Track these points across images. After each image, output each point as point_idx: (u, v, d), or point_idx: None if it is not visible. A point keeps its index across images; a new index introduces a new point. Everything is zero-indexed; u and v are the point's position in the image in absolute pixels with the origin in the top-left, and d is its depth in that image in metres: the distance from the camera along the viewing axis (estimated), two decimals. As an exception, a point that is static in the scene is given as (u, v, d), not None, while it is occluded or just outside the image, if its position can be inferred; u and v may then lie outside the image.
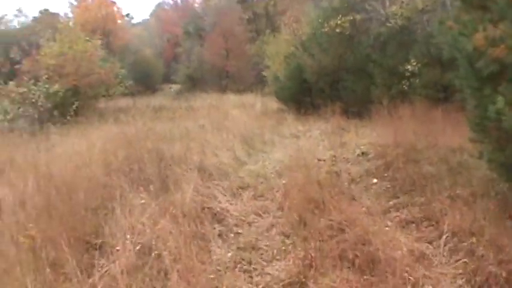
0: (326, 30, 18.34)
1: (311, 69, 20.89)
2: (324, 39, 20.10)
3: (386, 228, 6.49)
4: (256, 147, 12.89)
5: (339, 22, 17.93)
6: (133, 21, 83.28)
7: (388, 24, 17.47)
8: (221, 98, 32.78)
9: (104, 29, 50.40)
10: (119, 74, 26.00)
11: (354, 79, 19.11)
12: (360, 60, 18.87)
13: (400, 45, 17.44)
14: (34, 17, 57.29)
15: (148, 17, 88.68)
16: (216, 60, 46.27)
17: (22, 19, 59.87)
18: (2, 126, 17.36)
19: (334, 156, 10.53)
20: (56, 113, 17.54)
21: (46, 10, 58.22)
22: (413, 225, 6.65)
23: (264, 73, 32.02)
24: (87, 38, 25.75)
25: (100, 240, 6.28)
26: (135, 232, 6.15)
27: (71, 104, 19.65)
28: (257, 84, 38.23)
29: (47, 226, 6.36)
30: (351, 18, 17.94)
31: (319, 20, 19.84)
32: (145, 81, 49.20)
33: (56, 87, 19.46)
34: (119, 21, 57.53)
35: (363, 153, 10.99)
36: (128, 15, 79.75)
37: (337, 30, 17.99)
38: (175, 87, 52.84)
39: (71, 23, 49.86)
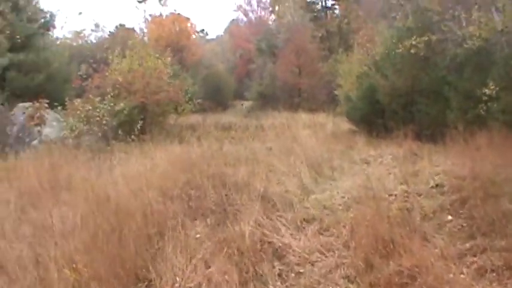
0: (400, 50, 17.75)
1: (384, 90, 20.29)
2: (398, 59, 19.46)
3: (462, 276, 5.92)
4: (324, 174, 12.31)
5: (413, 42, 17.29)
6: (208, 37, 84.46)
7: (465, 46, 16.77)
8: (292, 117, 32.25)
9: (178, 45, 50.89)
10: (188, 91, 25.36)
11: (428, 102, 18.43)
12: (435, 82, 18.19)
13: (477, 68, 16.70)
14: (110, 32, 58.41)
15: (222, 33, 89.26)
16: (288, 78, 46.10)
17: (99, 34, 61.10)
18: (67, 142, 17.49)
19: (406, 191, 9.81)
20: (120, 131, 17.28)
21: (122, 25, 59.27)
22: (494, 274, 6.02)
23: (336, 92, 31.55)
24: (157, 55, 25.61)
25: (149, 278, 5.97)
26: (186, 272, 5.79)
27: (136, 122, 19.51)
28: (329, 103, 37.69)
29: (96, 257, 6.10)
30: (426, 38, 17.26)
31: (393, 40, 19.25)
32: (216, 97, 49.38)
33: (122, 105, 19.06)
34: (193, 37, 58.10)
35: (437, 185, 10.17)
36: (202, 31, 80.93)
37: (412, 50, 17.36)
38: (247, 104, 52.72)
39: (146, 38, 51.03)
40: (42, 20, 31.43)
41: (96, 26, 61.99)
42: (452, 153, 13.39)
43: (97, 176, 11.40)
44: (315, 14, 50.35)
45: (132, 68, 23.54)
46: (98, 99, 18.31)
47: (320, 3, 51.01)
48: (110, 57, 24.27)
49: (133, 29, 59.51)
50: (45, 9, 32.66)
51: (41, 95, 20.57)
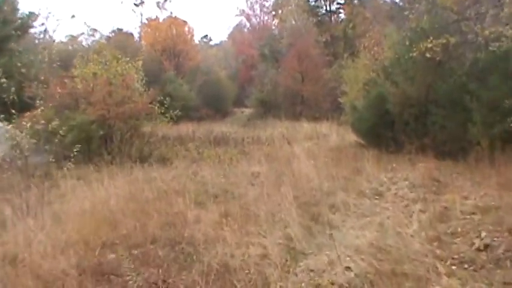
0: (414, 54, 15.59)
1: (394, 99, 18.04)
2: (410, 65, 17.27)
3: None
4: (322, 218, 9.11)
5: (429, 45, 15.13)
6: (212, 42, 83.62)
7: (490, 48, 14.66)
8: (294, 127, 30.44)
9: (174, 49, 49.05)
10: (166, 101, 21.28)
11: (445, 113, 16.11)
12: (453, 91, 15.83)
13: (504, 75, 14.38)
14: (107, 36, 56.58)
15: (226, 39, 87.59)
16: (290, 84, 44.20)
17: (97, 37, 59.14)
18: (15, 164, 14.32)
19: (442, 259, 6.53)
20: (58, 155, 13.81)
21: (120, 30, 57.69)
22: None
23: (340, 100, 29.54)
24: (128, 59, 21.55)
25: None
26: None
27: (96, 140, 16.93)
28: (333, 111, 35.67)
29: None
30: (444, 41, 15.10)
31: (406, 43, 17.08)
32: (215, 104, 47.96)
33: (55, 123, 14.94)
34: (192, 41, 56.29)
35: (486, 246, 6.96)
36: (206, 36, 79.68)
37: (427, 54, 15.22)
38: (247, 111, 50.76)
39: (143, 43, 48.99)
40: (19, 21, 29.12)
41: (93, 30, 59.83)
42: (479, 177, 11.35)
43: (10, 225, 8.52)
44: (319, 18, 48.42)
45: (96, 74, 19.96)
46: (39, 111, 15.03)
47: (324, 6, 49.10)
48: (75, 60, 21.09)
49: (131, 34, 57.99)
50: (23, 10, 30.37)
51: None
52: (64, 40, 56.06)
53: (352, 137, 22.40)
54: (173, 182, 11.04)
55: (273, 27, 65.98)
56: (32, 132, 13.37)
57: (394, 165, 14.58)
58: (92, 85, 19.36)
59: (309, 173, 12.57)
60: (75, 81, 19.67)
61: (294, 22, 53.15)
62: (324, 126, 29.97)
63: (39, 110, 15.09)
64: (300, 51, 44.22)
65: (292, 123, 32.84)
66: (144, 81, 21.78)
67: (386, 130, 18.86)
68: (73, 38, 57.28)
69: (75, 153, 12.80)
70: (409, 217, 8.94)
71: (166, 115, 20.39)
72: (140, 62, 21.90)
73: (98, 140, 17.14)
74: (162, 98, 20.37)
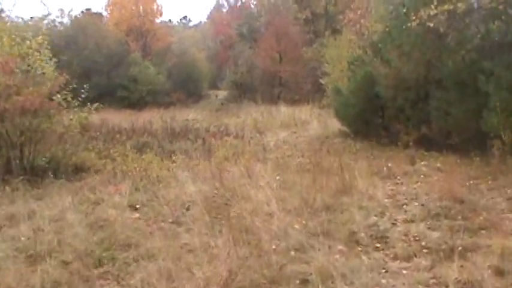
0: (414, 24, 12.57)
1: (385, 81, 15.53)
2: (404, 38, 14.47)
3: None
4: None
5: (432, 13, 12.11)
6: (191, 23, 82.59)
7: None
8: (270, 111, 28.02)
9: (141, 29, 45.88)
10: (84, 91, 14.50)
11: (450, 97, 13.30)
12: (462, 70, 12.96)
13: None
14: (75, 17, 53.12)
15: (206, 20, 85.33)
16: (268, 65, 42.01)
17: (65, 19, 55.50)
18: None
19: None
20: None
21: (88, 10, 54.31)
22: None
23: (322, 81, 27.16)
24: (28, 34, 14.72)
25: None
26: None
27: None
28: (314, 93, 33.49)
29: None
30: (451, 7, 12.09)
31: (403, 11, 14.10)
32: (188, 87, 45.61)
33: None
34: (159, 20, 52.85)
35: None
36: (184, 17, 77.36)
37: (430, 24, 12.21)
38: (222, 95, 47.87)
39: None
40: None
41: (61, 10, 56.15)
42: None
43: None
44: (298, -6, 45.61)
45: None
46: None
47: (304, -19, 46.27)
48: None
49: (100, 14, 54.74)
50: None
51: None
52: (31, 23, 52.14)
53: (335, 124, 19.82)
54: (50, 225, 7.15)
55: (252, 6, 63.46)
56: None
57: (389, 164, 11.47)
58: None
59: (270, 202, 8.04)
60: None
61: (272, -1, 50.37)
62: (304, 110, 27.44)
63: None
64: (278, 29, 42.17)
65: (269, 108, 30.49)
66: (54, 65, 14.64)
67: (375, 117, 17.06)
68: (38, 20, 53.47)
69: None
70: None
71: (84, 109, 14.47)
72: (40, 38, 14.61)
73: None
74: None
